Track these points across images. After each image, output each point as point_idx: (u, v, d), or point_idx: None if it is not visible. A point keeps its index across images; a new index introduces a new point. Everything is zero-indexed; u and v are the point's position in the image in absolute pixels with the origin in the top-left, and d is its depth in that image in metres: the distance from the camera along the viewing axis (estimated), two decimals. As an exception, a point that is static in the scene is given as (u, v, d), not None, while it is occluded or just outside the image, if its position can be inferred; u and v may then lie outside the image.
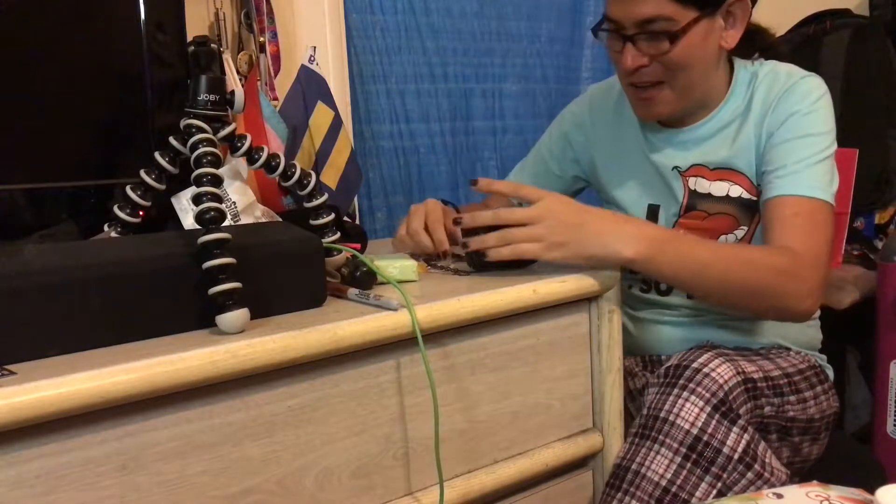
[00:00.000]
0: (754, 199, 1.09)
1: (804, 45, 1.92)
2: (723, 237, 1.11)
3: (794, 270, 0.97)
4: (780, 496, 0.73)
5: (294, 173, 0.87)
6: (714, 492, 0.89)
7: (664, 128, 1.15)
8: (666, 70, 1.03)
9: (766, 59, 1.14)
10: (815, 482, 0.76)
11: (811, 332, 1.19)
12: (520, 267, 0.95)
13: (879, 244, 1.85)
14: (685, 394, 0.91)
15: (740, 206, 1.09)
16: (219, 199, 0.75)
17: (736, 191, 1.09)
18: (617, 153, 1.20)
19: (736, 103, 1.10)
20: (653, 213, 1.16)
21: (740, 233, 1.10)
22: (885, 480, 0.68)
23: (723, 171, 1.10)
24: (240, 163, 0.95)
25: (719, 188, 1.10)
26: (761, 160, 1.07)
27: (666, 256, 0.94)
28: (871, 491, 0.67)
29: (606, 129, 1.23)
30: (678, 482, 0.89)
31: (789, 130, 1.04)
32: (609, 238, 0.92)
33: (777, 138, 1.05)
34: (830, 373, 1.18)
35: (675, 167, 1.13)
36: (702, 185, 1.11)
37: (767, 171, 1.05)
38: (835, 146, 1.06)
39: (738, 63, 1.12)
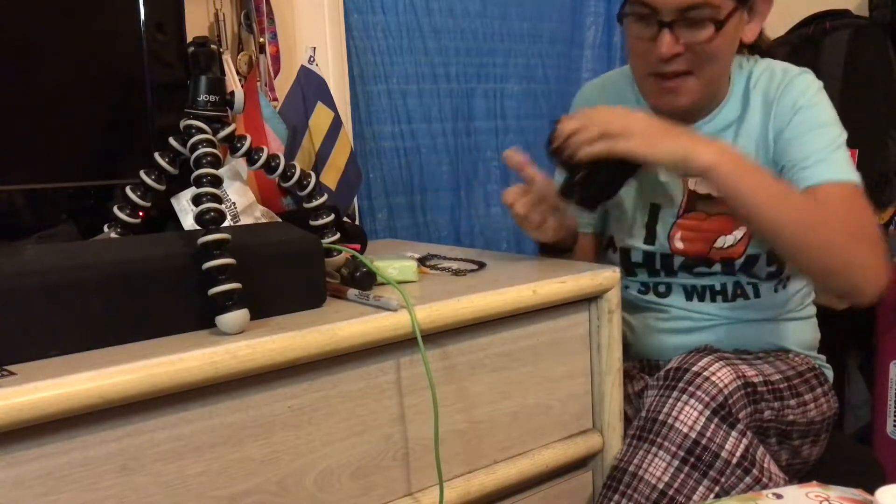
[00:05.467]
0: None
1: (804, 45, 1.92)
2: (721, 238, 1.10)
3: (861, 238, 0.95)
4: (779, 496, 0.73)
5: (294, 174, 0.87)
6: (712, 495, 0.89)
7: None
8: (696, 59, 1.01)
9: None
10: (814, 483, 0.76)
11: (809, 331, 1.19)
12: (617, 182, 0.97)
13: (879, 244, 1.85)
14: (685, 397, 0.91)
15: None
16: (218, 199, 0.75)
17: None
18: None
19: (735, 102, 1.09)
20: (654, 213, 1.15)
21: (739, 233, 1.10)
22: (885, 480, 0.68)
23: None
24: (239, 163, 0.95)
25: None
26: (772, 160, 1.06)
27: (746, 172, 0.92)
28: (871, 491, 0.67)
29: None
30: (675, 485, 0.89)
31: (799, 125, 1.03)
32: (687, 140, 0.92)
33: (789, 134, 1.04)
34: (830, 374, 1.18)
35: None
36: (702, 185, 1.10)
37: (788, 167, 1.03)
38: (845, 134, 1.04)
39: (734, 60, 1.10)
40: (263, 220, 0.98)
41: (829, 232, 0.93)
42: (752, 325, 1.13)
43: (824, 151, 1.01)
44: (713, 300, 1.14)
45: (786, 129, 1.04)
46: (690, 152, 0.90)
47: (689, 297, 1.15)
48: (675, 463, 0.89)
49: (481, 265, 1.00)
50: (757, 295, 1.13)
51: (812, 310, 1.21)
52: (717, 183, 0.92)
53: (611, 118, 0.93)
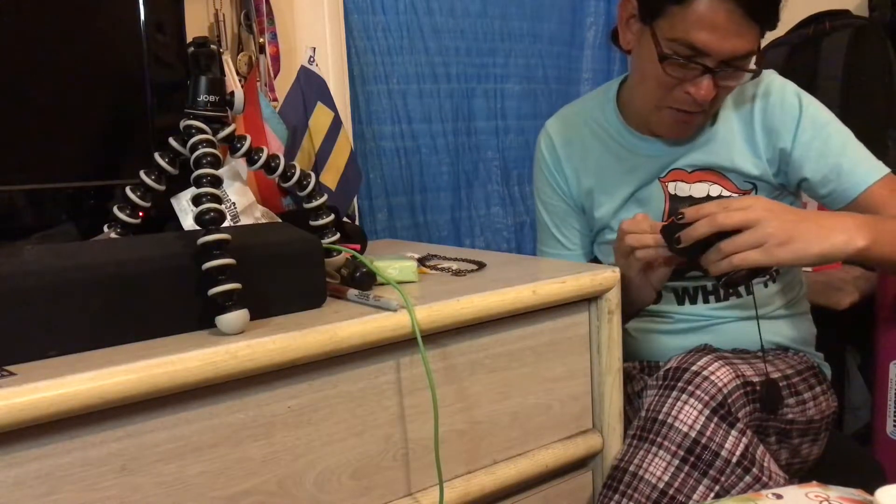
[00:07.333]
0: (735, 195, 1.10)
1: (803, 45, 1.92)
2: None
3: None
4: (779, 497, 0.73)
5: (293, 174, 0.87)
6: (712, 495, 0.89)
7: (642, 141, 1.15)
8: (716, 99, 1.03)
9: None
10: (814, 483, 0.76)
11: (805, 326, 1.20)
12: (753, 276, 0.93)
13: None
14: (684, 396, 0.91)
15: None
16: (218, 199, 0.75)
17: (716, 190, 1.10)
18: (595, 175, 1.19)
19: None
20: None
21: None
22: (885, 480, 0.68)
23: (701, 173, 1.11)
24: (239, 164, 0.95)
25: (699, 189, 1.11)
26: (777, 167, 1.09)
27: (884, 236, 0.93)
28: (871, 491, 0.67)
29: (579, 156, 1.21)
30: (676, 484, 0.89)
31: (806, 130, 1.06)
32: (832, 232, 0.90)
33: (801, 144, 1.06)
34: (828, 371, 1.18)
35: (655, 176, 1.14)
36: (681, 188, 1.12)
37: (827, 177, 1.05)
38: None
39: None
40: (263, 221, 0.98)
41: None
42: (747, 323, 1.13)
43: (851, 154, 1.05)
44: (706, 301, 1.15)
45: (797, 139, 1.06)
46: (842, 243, 0.90)
47: (680, 301, 1.16)
48: (676, 462, 0.89)
49: (481, 265, 1.00)
50: (748, 292, 1.13)
51: (805, 305, 1.22)
52: (868, 260, 0.93)
53: (774, 228, 0.88)
